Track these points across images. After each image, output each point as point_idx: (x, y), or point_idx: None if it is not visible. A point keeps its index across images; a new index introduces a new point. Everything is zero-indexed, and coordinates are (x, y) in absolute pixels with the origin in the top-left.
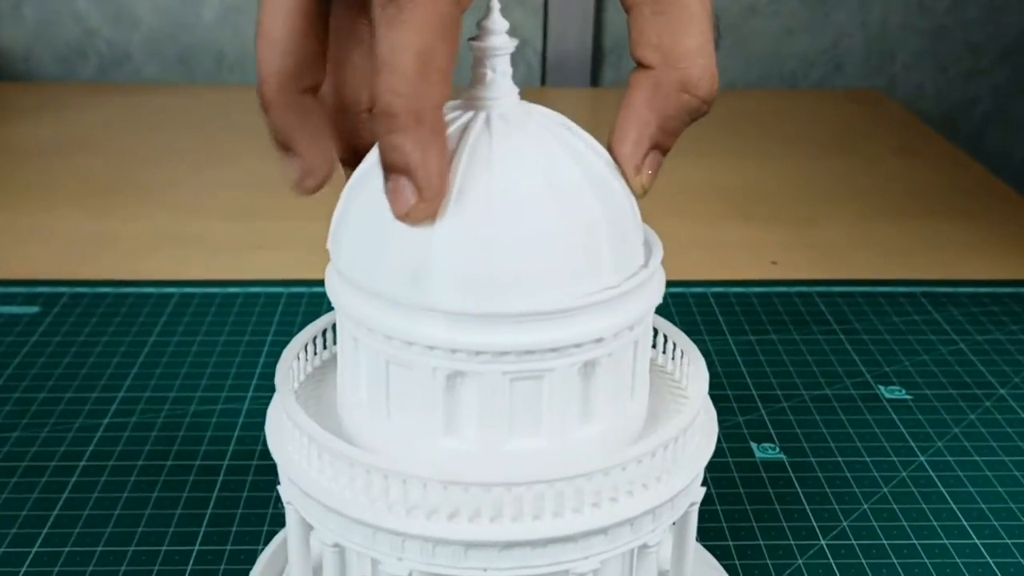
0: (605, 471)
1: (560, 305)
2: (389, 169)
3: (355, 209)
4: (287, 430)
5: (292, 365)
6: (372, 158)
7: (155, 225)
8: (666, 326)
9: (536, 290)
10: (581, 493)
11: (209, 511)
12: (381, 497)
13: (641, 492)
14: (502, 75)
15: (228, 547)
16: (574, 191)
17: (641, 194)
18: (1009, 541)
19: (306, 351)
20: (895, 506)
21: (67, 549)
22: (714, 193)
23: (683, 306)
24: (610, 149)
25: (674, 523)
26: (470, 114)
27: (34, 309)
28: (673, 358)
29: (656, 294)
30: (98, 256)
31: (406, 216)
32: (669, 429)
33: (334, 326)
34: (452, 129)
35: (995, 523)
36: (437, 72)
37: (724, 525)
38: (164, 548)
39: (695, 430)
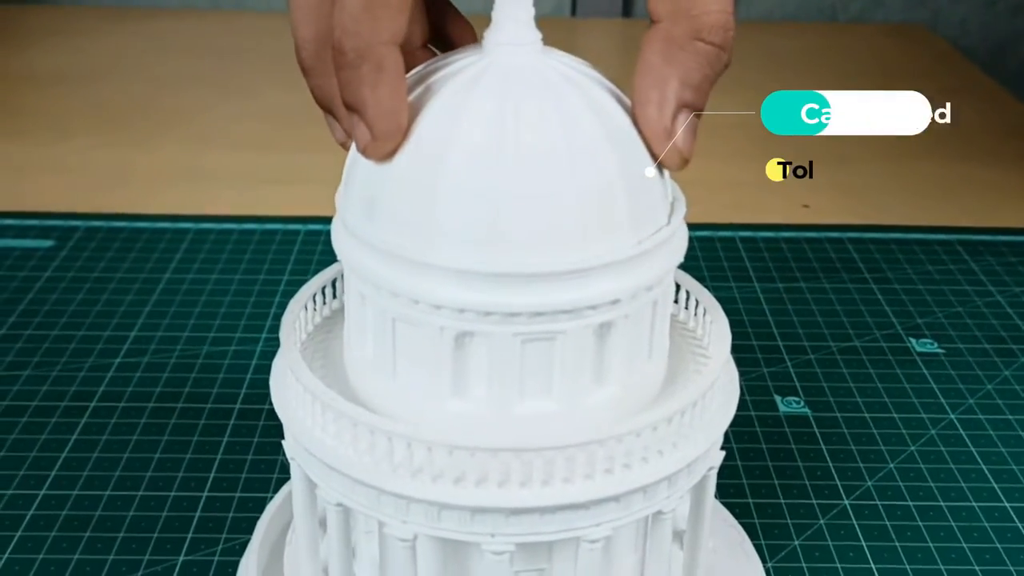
0: (619, 437)
1: (574, 265)
2: (345, 106)
3: (362, 160)
4: (291, 386)
5: (298, 317)
6: None
7: (172, 157)
8: (689, 282)
9: (549, 249)
10: (593, 459)
11: (219, 457)
12: (386, 459)
13: (656, 459)
14: (520, 22)
15: (237, 494)
16: (591, 148)
17: (679, 164)
18: None
19: (314, 301)
20: (922, 466)
21: (75, 492)
22: (744, 131)
23: (710, 251)
24: (634, 119)
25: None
26: (484, 61)
27: (48, 243)
28: (695, 315)
29: (677, 254)
30: (114, 188)
31: (363, 152)
32: (687, 394)
33: (343, 275)
34: (463, 76)
35: None
36: (384, 8)
37: (744, 482)
38: (173, 494)
39: (715, 394)
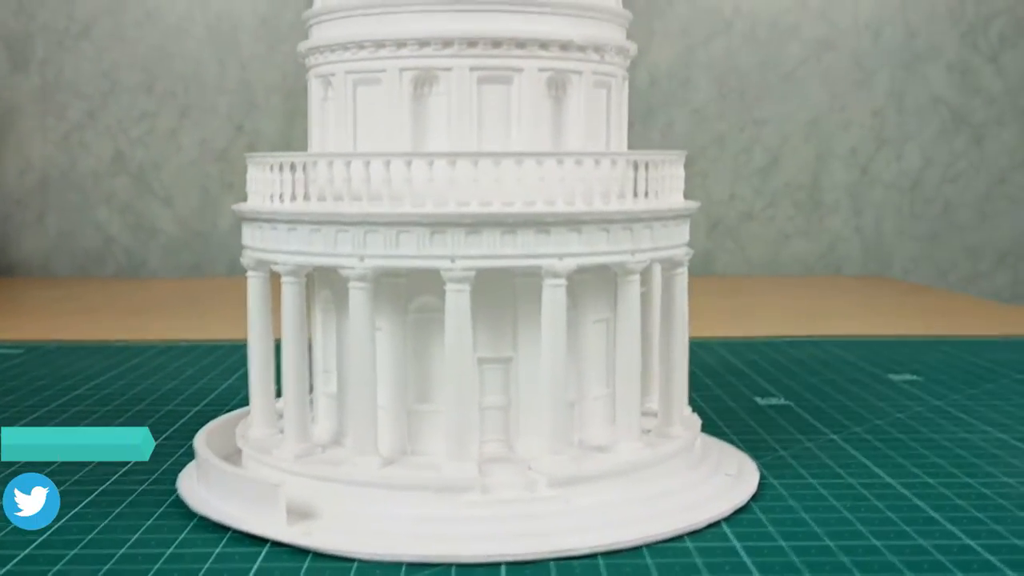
0: (578, 159)
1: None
2: None
3: None
4: (254, 179)
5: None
6: None
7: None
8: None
9: None
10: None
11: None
12: (343, 187)
13: (617, 202)
14: None
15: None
16: None
17: None
18: None
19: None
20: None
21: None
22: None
23: None
24: None
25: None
26: None
27: (19, 350)
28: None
29: (628, 43)
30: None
31: None
32: (648, 152)
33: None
34: None
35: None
36: None
37: (727, 432)
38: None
39: (676, 173)
